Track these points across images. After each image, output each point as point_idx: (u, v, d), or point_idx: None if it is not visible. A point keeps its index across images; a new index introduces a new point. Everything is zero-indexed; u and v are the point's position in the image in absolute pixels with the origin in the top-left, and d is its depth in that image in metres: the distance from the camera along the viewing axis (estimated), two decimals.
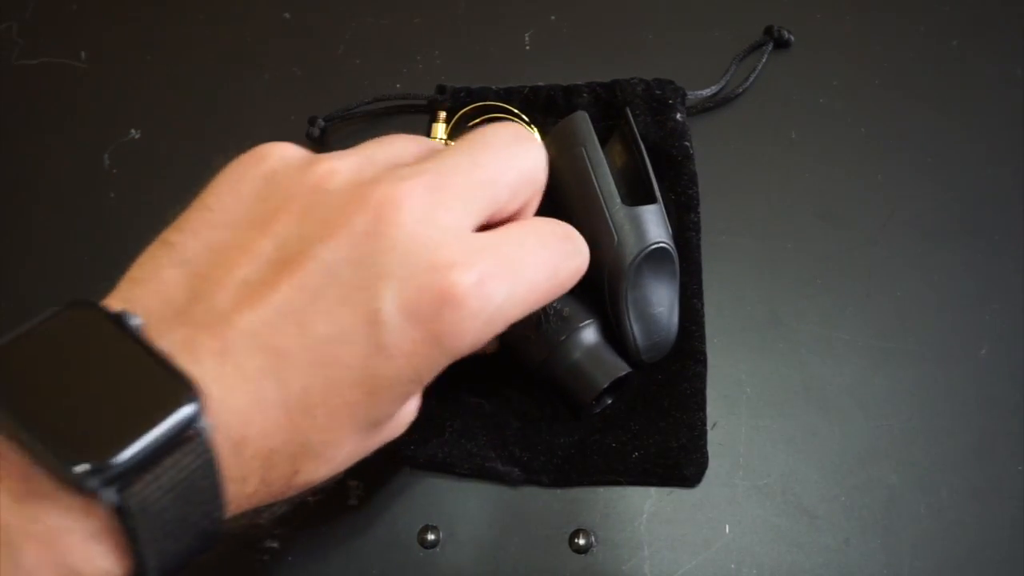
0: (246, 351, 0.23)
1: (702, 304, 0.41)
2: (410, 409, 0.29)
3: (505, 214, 0.29)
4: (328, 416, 0.24)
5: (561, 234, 0.30)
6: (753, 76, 0.47)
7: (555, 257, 0.29)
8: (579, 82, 0.45)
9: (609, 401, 0.40)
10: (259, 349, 0.23)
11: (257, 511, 0.27)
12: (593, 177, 0.40)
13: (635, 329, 0.39)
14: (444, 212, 0.25)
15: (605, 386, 0.37)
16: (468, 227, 0.26)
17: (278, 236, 0.25)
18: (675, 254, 0.40)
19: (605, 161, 0.40)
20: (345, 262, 0.24)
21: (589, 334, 0.38)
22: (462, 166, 0.27)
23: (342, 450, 0.26)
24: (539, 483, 0.39)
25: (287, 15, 0.52)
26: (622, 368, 0.38)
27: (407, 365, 0.24)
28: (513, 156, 0.28)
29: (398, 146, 0.29)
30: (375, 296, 0.23)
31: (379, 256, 0.24)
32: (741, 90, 0.47)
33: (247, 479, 0.23)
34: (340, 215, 0.24)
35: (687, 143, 0.44)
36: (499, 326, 0.26)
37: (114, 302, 0.24)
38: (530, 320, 0.37)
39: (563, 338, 0.38)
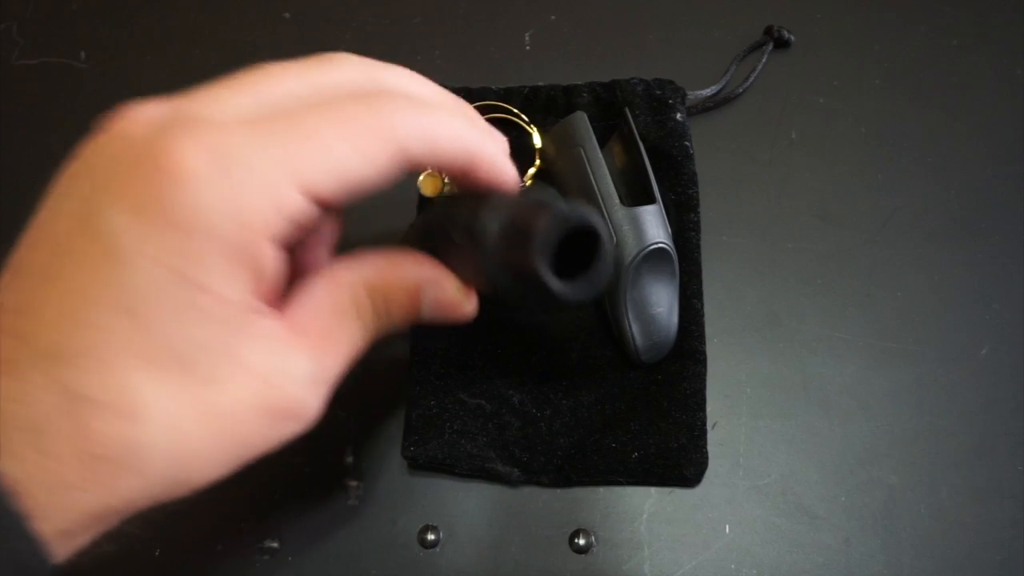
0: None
1: (702, 304, 0.41)
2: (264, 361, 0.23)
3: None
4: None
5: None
6: (753, 76, 0.47)
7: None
8: (579, 82, 0.45)
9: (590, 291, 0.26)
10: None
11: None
12: (592, 177, 0.40)
13: (635, 329, 0.39)
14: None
15: (547, 237, 0.24)
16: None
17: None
18: (674, 254, 0.40)
19: (604, 161, 0.40)
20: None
21: (512, 199, 0.26)
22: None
23: (160, 410, 0.21)
24: (539, 483, 0.39)
25: (287, 15, 0.52)
26: (575, 217, 0.24)
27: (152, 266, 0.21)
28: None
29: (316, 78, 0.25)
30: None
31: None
32: (741, 90, 0.47)
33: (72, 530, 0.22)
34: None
35: (687, 143, 0.44)
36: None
37: None
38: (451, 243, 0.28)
39: (477, 221, 0.26)
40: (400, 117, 0.24)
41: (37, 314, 0.21)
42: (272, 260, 0.23)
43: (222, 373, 0.22)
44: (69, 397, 0.20)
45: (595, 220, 0.25)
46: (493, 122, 0.46)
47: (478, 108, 0.46)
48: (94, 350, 0.21)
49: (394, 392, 0.41)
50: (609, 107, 0.45)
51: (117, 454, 0.21)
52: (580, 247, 0.25)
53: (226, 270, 0.22)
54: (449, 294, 0.28)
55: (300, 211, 0.22)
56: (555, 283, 0.24)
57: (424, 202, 0.44)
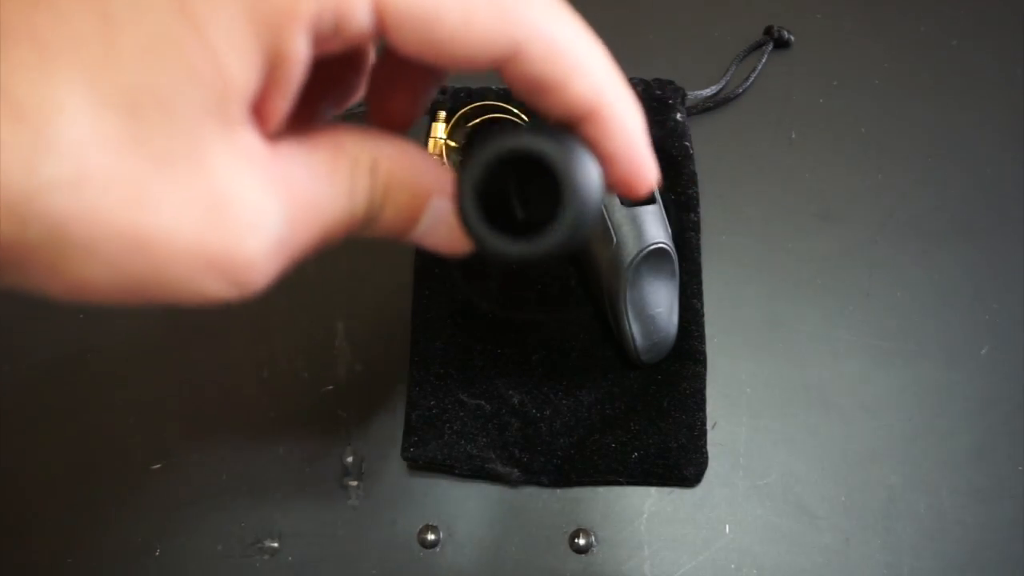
0: None
1: (702, 304, 0.41)
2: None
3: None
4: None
5: None
6: (753, 76, 0.47)
7: None
8: None
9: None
10: None
11: None
12: None
13: (634, 329, 0.39)
14: None
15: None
16: None
17: None
18: (674, 254, 0.40)
19: None
20: None
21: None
22: None
23: (78, 146, 0.15)
24: (539, 483, 0.39)
25: None
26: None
27: None
28: None
29: None
30: None
31: None
32: (741, 90, 0.47)
33: None
34: None
35: (687, 143, 0.44)
36: None
37: None
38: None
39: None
40: (537, 7, 0.19)
41: None
42: (297, 57, 0.17)
43: (170, 156, 0.16)
44: None
45: (547, 145, 0.19)
46: (493, 122, 0.46)
47: (478, 108, 0.46)
48: (40, 35, 0.15)
49: (394, 392, 0.41)
50: None
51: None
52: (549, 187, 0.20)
53: (237, 32, 0.16)
54: (453, 221, 0.22)
55: (355, 11, 0.17)
56: (480, 230, 0.19)
57: None
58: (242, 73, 0.17)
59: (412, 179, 0.21)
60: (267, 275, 0.19)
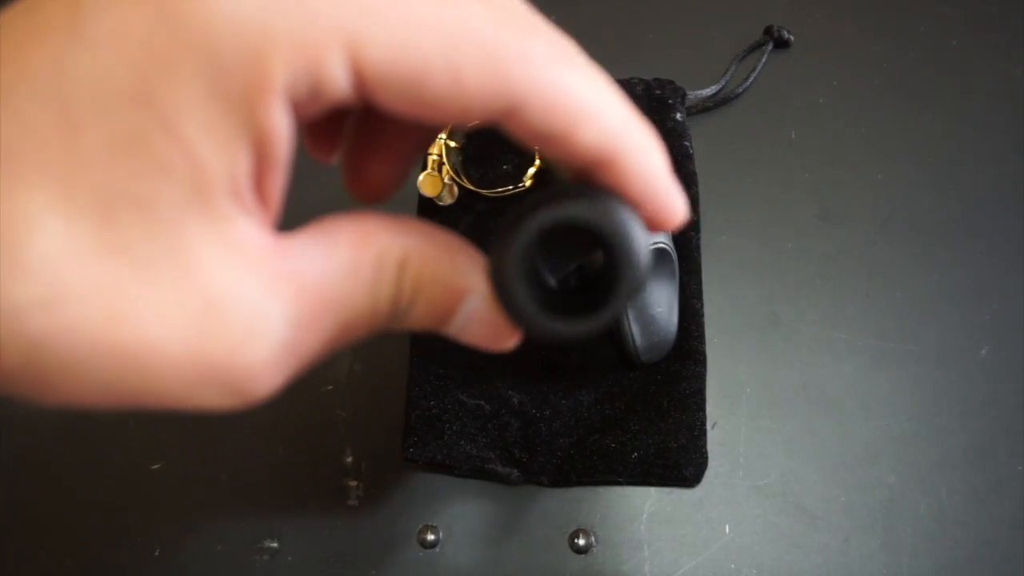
0: None
1: (702, 304, 0.41)
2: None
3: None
4: None
5: None
6: (753, 76, 0.47)
7: None
8: None
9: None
10: None
11: None
12: None
13: (634, 329, 0.39)
14: None
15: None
16: None
17: None
18: (674, 254, 0.40)
19: None
20: None
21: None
22: None
23: (52, 257, 0.14)
24: (539, 483, 0.39)
25: None
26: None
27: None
28: None
29: None
30: None
31: None
32: (741, 90, 0.47)
33: None
34: None
35: (687, 143, 0.44)
36: None
37: None
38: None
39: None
40: (533, 57, 0.16)
41: None
42: (277, 131, 0.15)
43: (151, 261, 0.15)
44: None
45: (593, 212, 0.17)
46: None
47: None
48: (0, 142, 0.14)
49: (394, 392, 0.41)
50: None
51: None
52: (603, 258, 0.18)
53: (207, 115, 0.15)
54: (494, 314, 0.20)
55: (331, 75, 0.15)
56: (536, 317, 0.17)
57: (424, 203, 0.44)
58: (219, 160, 0.15)
59: (446, 274, 0.19)
60: (272, 383, 0.17)
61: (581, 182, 0.19)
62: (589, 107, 0.17)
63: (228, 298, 0.16)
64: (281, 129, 0.15)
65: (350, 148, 0.21)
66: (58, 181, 0.14)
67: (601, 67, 0.18)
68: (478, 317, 0.20)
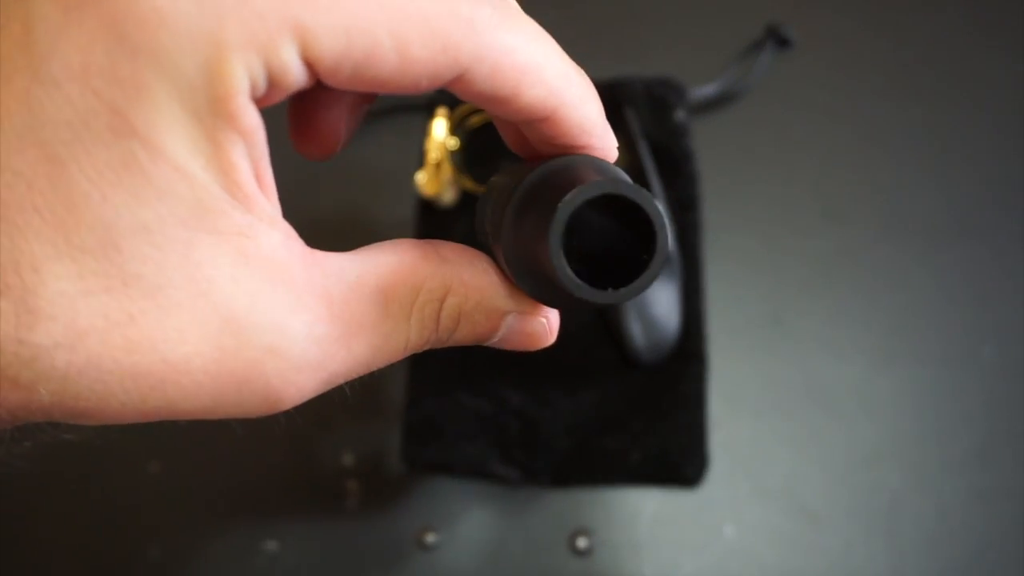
0: None
1: (703, 304, 0.41)
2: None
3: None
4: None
5: None
6: (754, 75, 0.47)
7: None
8: None
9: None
10: None
11: None
12: None
13: (635, 329, 0.39)
14: None
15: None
16: None
17: None
18: (676, 254, 0.40)
19: None
20: None
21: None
22: None
23: (63, 305, 0.15)
24: (539, 484, 0.39)
25: None
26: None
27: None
28: None
29: None
30: None
31: None
32: (742, 89, 0.47)
33: None
34: None
35: (688, 142, 0.44)
36: None
37: None
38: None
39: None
40: (476, 22, 0.17)
41: None
42: (251, 128, 0.16)
43: (164, 285, 0.15)
44: None
45: (642, 195, 0.18)
46: (492, 122, 0.46)
47: (477, 107, 0.45)
48: None
49: (394, 392, 0.41)
50: (610, 106, 0.45)
51: None
52: (620, 234, 0.19)
53: (185, 131, 0.15)
54: (534, 325, 0.21)
55: (285, 69, 0.16)
56: (582, 288, 0.18)
57: (424, 203, 0.44)
58: (213, 174, 0.15)
59: (489, 301, 0.20)
60: (298, 396, 0.17)
61: (560, 158, 0.20)
62: (532, 66, 0.18)
63: (246, 314, 0.16)
64: (253, 124, 0.16)
65: (295, 104, 0.21)
66: (55, 223, 0.15)
67: (602, 66, 0.18)
68: (518, 328, 0.21)
